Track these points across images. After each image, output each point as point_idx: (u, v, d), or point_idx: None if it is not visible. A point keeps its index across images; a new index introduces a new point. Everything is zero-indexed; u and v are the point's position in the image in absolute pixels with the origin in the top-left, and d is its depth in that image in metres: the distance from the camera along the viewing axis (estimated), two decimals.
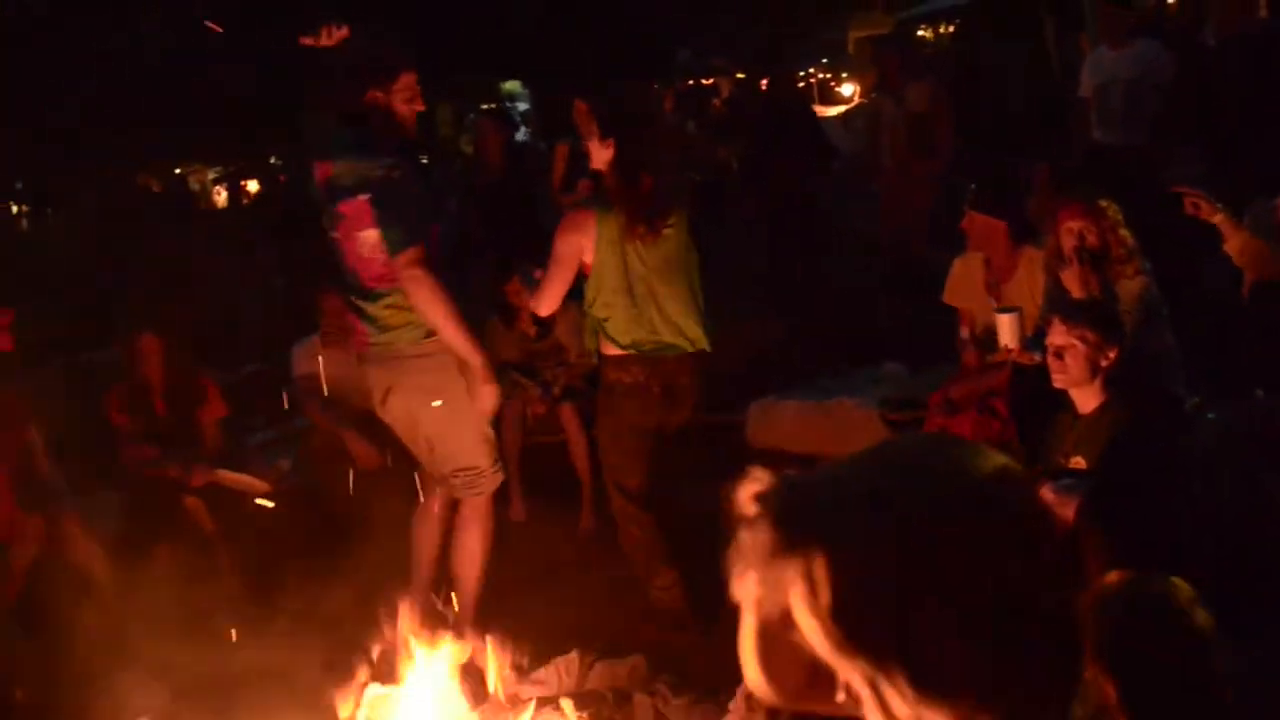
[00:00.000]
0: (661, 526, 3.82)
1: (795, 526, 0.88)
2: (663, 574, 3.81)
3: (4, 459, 3.31)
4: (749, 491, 0.91)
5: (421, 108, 3.49)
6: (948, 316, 4.63)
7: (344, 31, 3.47)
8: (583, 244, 3.70)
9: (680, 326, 3.74)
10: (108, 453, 4.84)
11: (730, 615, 0.93)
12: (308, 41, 3.44)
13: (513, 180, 6.53)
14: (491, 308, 5.24)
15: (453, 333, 3.38)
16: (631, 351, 3.72)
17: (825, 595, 0.85)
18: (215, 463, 4.65)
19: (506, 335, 5.21)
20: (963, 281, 4.47)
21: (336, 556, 4.06)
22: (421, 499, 3.80)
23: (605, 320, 3.73)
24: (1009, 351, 3.98)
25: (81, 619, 3.93)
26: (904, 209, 7.32)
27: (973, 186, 4.55)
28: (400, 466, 4.09)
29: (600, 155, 3.66)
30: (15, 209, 16.42)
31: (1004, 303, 4.20)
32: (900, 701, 0.85)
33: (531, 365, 5.19)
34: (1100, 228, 3.89)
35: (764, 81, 7.70)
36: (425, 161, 4.04)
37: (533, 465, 5.04)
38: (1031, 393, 3.81)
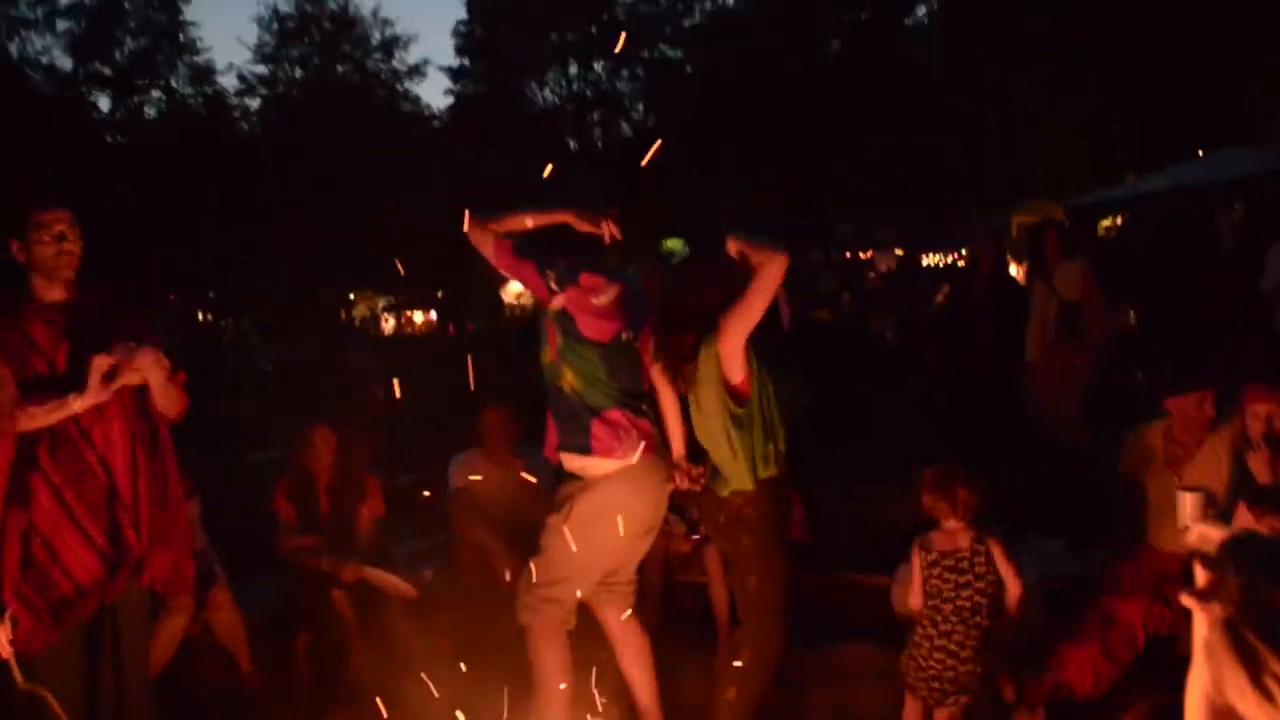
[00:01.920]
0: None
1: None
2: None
3: (184, 525, 3.44)
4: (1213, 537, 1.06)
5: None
6: (1102, 494, 4.46)
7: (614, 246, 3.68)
8: None
9: (718, 465, 3.81)
10: (263, 542, 4.98)
11: None
12: (587, 228, 3.59)
13: None
14: None
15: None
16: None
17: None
18: (367, 560, 4.71)
19: None
20: (1140, 454, 4.29)
21: (472, 666, 4.04)
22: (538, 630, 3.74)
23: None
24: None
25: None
26: (1054, 393, 7.11)
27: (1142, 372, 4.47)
28: None
29: None
30: (201, 316, 17.63)
31: (1186, 481, 4.01)
32: None
33: (679, 503, 5.15)
34: None
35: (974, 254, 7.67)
36: None
37: (673, 604, 4.97)
38: None
